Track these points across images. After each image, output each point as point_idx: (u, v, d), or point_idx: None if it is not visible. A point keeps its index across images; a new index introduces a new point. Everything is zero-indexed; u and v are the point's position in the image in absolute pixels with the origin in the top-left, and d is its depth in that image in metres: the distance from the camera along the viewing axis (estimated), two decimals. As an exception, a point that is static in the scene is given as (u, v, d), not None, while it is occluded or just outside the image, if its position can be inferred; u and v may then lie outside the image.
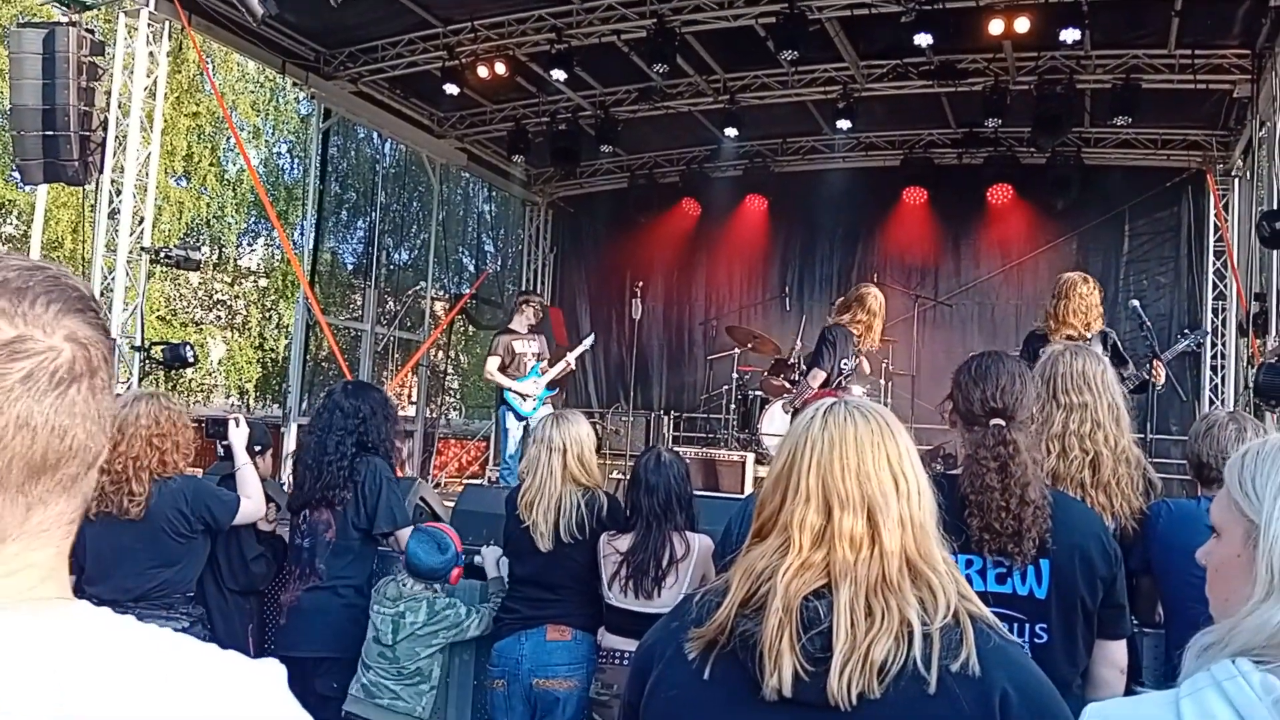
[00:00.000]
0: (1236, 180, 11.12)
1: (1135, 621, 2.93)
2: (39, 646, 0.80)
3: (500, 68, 10.32)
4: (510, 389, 8.22)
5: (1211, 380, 11.38)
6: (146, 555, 3.58)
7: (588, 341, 8.82)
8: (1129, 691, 2.38)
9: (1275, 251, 8.17)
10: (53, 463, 0.83)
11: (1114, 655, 2.42)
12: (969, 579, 2.20)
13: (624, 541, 3.64)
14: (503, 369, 8.25)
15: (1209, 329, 11.05)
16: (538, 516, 3.68)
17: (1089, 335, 5.09)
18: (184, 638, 0.90)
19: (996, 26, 8.73)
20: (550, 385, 8.44)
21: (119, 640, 0.85)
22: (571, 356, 8.51)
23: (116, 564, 3.55)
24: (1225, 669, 1.06)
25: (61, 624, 0.83)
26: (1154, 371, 5.42)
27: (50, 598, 0.86)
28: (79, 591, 3.25)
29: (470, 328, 16.28)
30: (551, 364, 8.37)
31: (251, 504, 3.93)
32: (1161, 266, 11.88)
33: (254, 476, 4.01)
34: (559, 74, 10.17)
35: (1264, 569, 1.12)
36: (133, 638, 0.86)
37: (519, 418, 8.21)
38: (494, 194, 15.62)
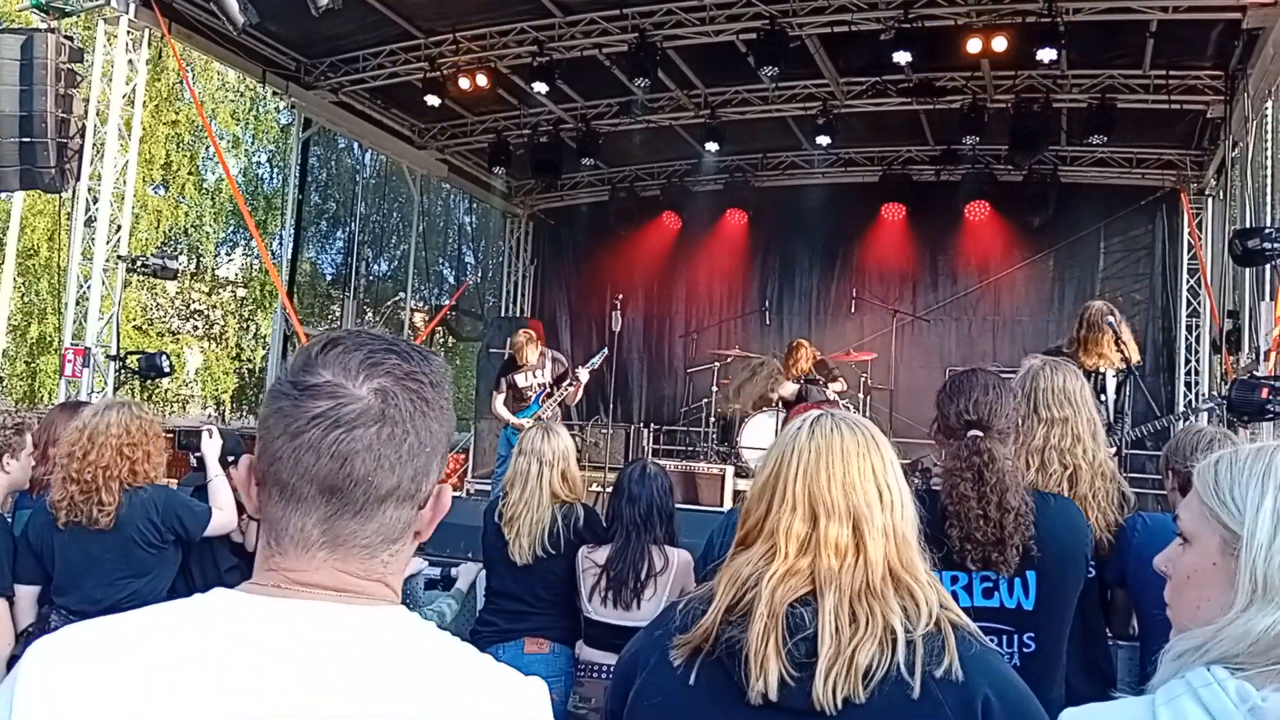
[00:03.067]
0: (1210, 199, 11.27)
1: (1109, 634, 2.96)
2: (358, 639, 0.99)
3: (482, 79, 10.32)
4: (511, 423, 8.20)
5: (1185, 396, 11.50)
6: (116, 566, 3.53)
7: (596, 359, 8.72)
8: (1105, 697, 2.39)
9: (1248, 269, 8.27)
10: (335, 485, 0.99)
11: None
12: (955, 595, 2.21)
13: (602, 554, 3.63)
14: (507, 402, 8.27)
15: (1181, 365, 11.18)
16: (520, 529, 3.66)
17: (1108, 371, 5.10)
18: (465, 646, 1.05)
19: (974, 45, 8.82)
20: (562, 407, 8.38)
21: (423, 640, 1.03)
22: (583, 373, 8.38)
23: (85, 574, 3.50)
24: (1201, 676, 1.07)
25: (378, 622, 1.01)
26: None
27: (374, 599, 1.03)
28: (48, 601, 3.18)
29: (450, 339, 16.22)
30: (558, 385, 8.28)
31: (224, 515, 3.88)
32: (1136, 284, 12.02)
33: (226, 488, 3.96)
34: (540, 87, 10.18)
35: (1247, 579, 1.12)
36: (432, 639, 1.04)
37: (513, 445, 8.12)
38: (474, 205, 15.60)
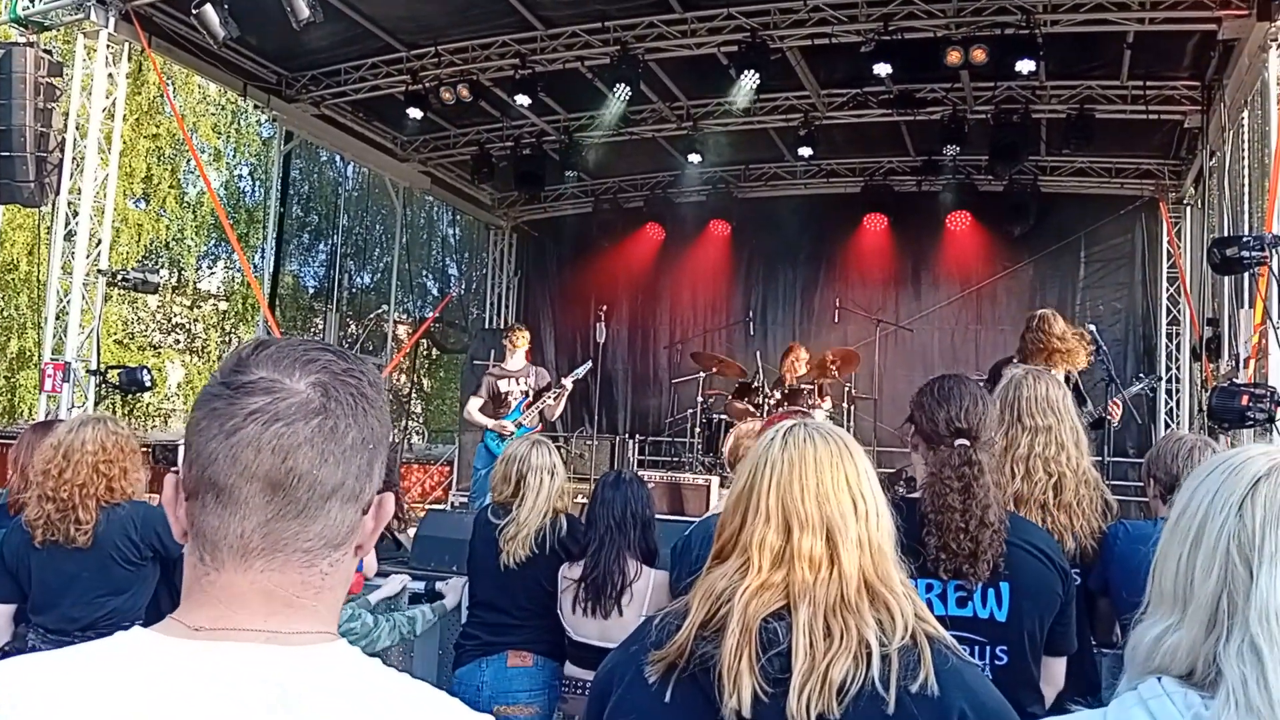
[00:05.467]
0: (1188, 208, 11.39)
1: (1094, 641, 2.96)
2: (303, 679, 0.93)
3: (464, 92, 10.31)
4: (488, 428, 8.11)
5: (1167, 404, 11.58)
6: (94, 584, 3.49)
7: (581, 369, 8.69)
8: (1062, 709, 2.39)
9: (1226, 277, 8.34)
10: (278, 481, 0.95)
11: (1054, 673, 2.44)
12: (929, 603, 2.20)
13: (578, 569, 3.61)
14: (485, 408, 8.15)
15: (1162, 374, 11.23)
16: (519, 538, 3.65)
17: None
18: (413, 683, 0.99)
19: (954, 57, 8.87)
20: (541, 417, 8.32)
21: (361, 681, 0.96)
22: (567, 381, 8.35)
23: (63, 593, 3.46)
24: (1152, 688, 1.09)
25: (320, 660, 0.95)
26: (1110, 410, 5.55)
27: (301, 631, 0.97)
28: (24, 620, 3.14)
29: (434, 351, 16.18)
30: (540, 394, 8.21)
31: (203, 531, 3.84)
32: (1116, 292, 12.10)
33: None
34: (523, 99, 10.19)
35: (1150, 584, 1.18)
36: (371, 679, 0.97)
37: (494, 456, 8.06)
38: (458, 218, 15.58)
